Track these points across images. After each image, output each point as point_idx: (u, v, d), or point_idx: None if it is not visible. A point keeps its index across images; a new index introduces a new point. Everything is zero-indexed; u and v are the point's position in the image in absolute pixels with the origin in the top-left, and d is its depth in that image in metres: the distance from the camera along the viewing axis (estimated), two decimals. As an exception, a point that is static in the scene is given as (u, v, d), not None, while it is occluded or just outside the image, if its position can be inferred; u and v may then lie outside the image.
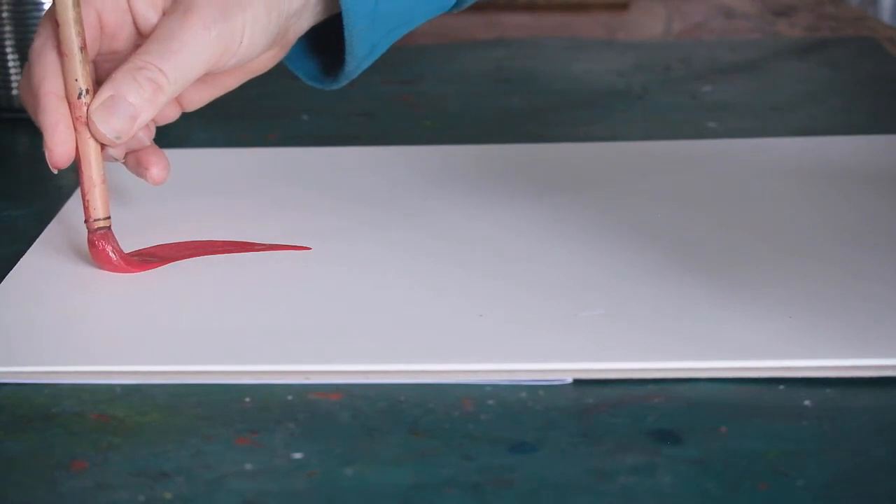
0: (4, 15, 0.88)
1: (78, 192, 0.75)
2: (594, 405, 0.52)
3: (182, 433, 0.51)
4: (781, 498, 0.46)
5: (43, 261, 0.66)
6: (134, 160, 0.67)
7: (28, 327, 0.59)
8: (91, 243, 0.63)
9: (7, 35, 0.88)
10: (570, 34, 1.14)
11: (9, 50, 0.89)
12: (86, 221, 0.63)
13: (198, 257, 0.65)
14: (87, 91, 0.62)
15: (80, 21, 0.61)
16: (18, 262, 0.65)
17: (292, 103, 0.93)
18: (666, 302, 0.59)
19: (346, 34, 0.65)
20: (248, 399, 0.53)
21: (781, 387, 0.53)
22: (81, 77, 0.61)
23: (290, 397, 0.53)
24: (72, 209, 0.72)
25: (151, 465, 0.49)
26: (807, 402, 0.52)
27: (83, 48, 0.62)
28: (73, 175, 0.80)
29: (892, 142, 0.81)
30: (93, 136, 0.62)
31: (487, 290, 0.61)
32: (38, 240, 0.68)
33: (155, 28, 0.63)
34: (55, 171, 0.62)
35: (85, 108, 0.61)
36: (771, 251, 0.65)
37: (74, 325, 0.59)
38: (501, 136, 0.85)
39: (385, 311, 0.59)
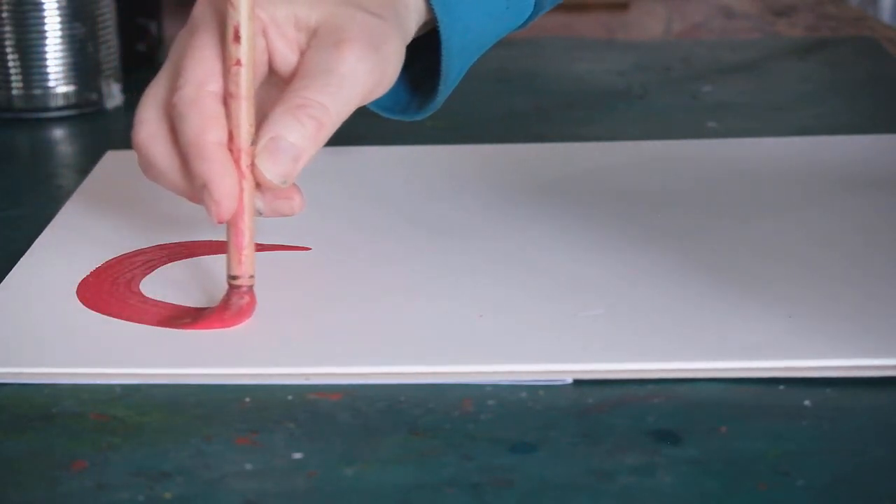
0: (4, 15, 0.88)
1: (80, 194, 0.75)
2: (594, 405, 0.52)
3: (182, 433, 0.51)
4: (781, 498, 0.46)
5: (43, 261, 0.66)
6: (271, 197, 0.60)
7: (28, 327, 0.59)
8: (237, 297, 0.58)
9: (7, 35, 0.88)
10: (570, 34, 1.14)
11: (9, 50, 0.89)
12: (235, 277, 0.58)
13: (197, 257, 0.65)
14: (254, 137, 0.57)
15: (254, 62, 0.58)
16: (18, 262, 0.65)
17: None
18: (666, 302, 0.59)
19: (444, 62, 0.64)
20: (248, 399, 0.53)
21: (781, 387, 0.53)
22: (253, 123, 0.57)
23: (290, 397, 0.53)
24: (72, 209, 0.72)
25: (151, 465, 0.49)
26: (807, 402, 0.52)
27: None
28: (76, 179, 0.80)
29: (892, 142, 0.81)
30: (258, 182, 0.57)
31: (487, 291, 0.61)
32: (37, 240, 0.68)
33: (302, 65, 0.59)
34: (216, 224, 0.58)
35: (252, 156, 0.57)
36: (770, 251, 0.65)
37: (75, 326, 0.59)
38: (502, 135, 0.85)
39: (385, 312, 0.59)
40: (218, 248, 0.67)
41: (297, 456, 0.49)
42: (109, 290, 0.62)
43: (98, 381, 0.55)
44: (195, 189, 0.58)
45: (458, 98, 0.95)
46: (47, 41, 0.89)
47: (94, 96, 0.91)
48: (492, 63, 1.04)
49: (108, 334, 0.58)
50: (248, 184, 0.57)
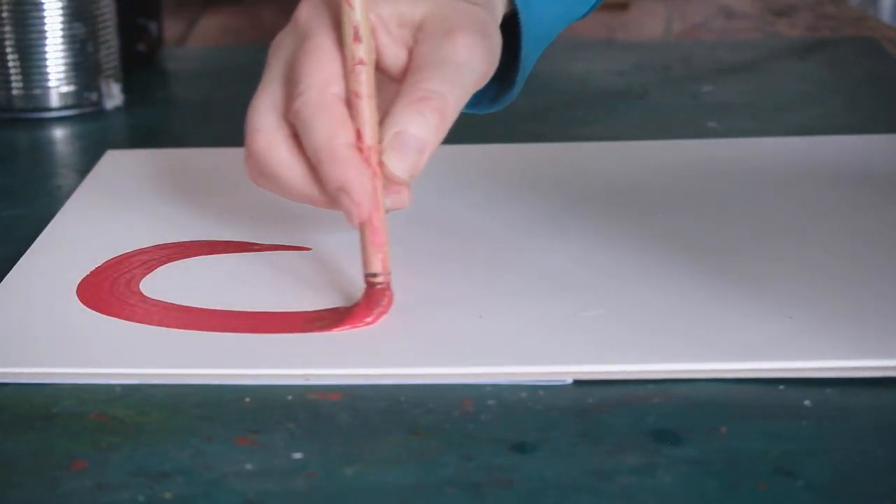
0: (4, 15, 0.88)
1: (80, 194, 0.75)
2: (594, 405, 0.52)
3: (182, 433, 0.51)
4: (781, 498, 0.46)
5: (43, 261, 0.66)
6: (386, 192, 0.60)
7: (28, 327, 0.59)
8: (380, 295, 0.58)
9: (7, 35, 0.88)
10: (570, 34, 1.14)
11: (9, 50, 0.89)
12: (376, 274, 0.58)
13: (197, 257, 0.65)
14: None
15: (372, 60, 0.58)
16: (18, 262, 0.65)
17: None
18: (666, 303, 0.59)
19: (523, 51, 0.64)
20: (248, 399, 0.53)
21: (781, 387, 0.53)
22: (377, 120, 0.57)
23: (290, 397, 0.53)
24: (72, 209, 0.72)
25: (151, 465, 0.49)
26: (807, 402, 0.52)
27: None
28: (76, 179, 0.80)
29: (892, 142, 0.81)
30: (387, 178, 0.57)
31: (487, 291, 0.61)
32: (37, 240, 0.68)
33: (416, 58, 0.59)
34: (355, 226, 0.58)
35: (379, 153, 0.57)
36: (771, 251, 0.65)
37: (74, 326, 0.59)
38: (502, 135, 0.85)
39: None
40: (217, 248, 0.67)
41: (297, 456, 0.49)
42: (109, 289, 0.62)
43: (98, 381, 0.55)
44: (327, 193, 0.58)
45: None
46: (47, 41, 0.89)
47: (94, 96, 0.91)
48: (492, 63, 1.04)
49: (108, 334, 0.58)
50: (378, 181, 0.57)
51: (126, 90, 0.93)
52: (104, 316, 0.60)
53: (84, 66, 0.90)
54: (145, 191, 0.75)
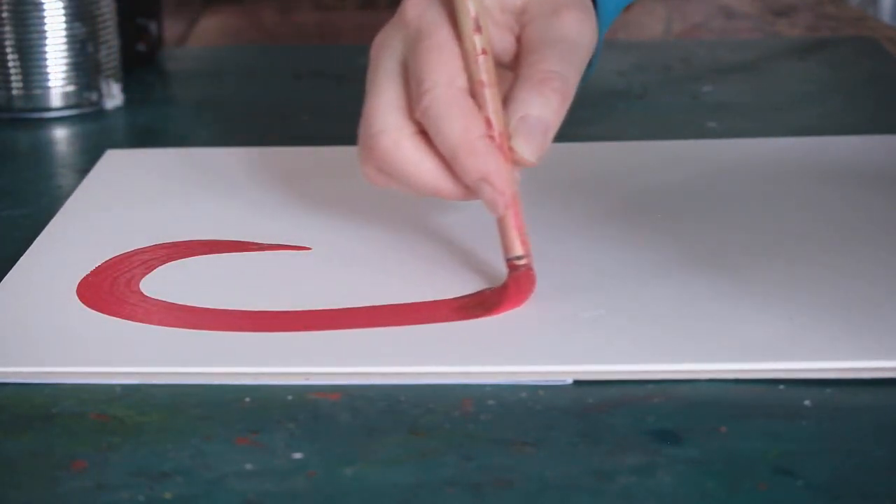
0: (4, 15, 0.88)
1: (80, 193, 0.75)
2: (594, 405, 0.52)
3: (182, 433, 0.51)
4: (781, 498, 0.46)
5: (43, 261, 0.66)
6: None
7: (28, 327, 0.59)
8: (525, 278, 0.59)
9: (7, 35, 0.88)
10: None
11: (9, 50, 0.89)
12: (521, 257, 0.59)
13: (197, 257, 0.65)
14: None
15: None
16: (18, 262, 0.65)
17: (293, 104, 0.93)
18: (666, 303, 0.59)
19: (601, 21, 0.65)
20: (248, 399, 0.53)
21: (781, 387, 0.53)
22: (501, 107, 0.59)
23: (290, 397, 0.53)
24: (72, 208, 0.72)
25: (151, 465, 0.49)
26: (807, 402, 0.52)
27: None
28: (76, 179, 0.80)
29: (892, 142, 0.81)
30: (516, 162, 0.58)
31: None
32: (37, 240, 0.68)
33: (527, 41, 0.60)
34: (500, 214, 0.59)
35: (508, 139, 0.58)
36: (771, 252, 0.65)
37: (74, 326, 0.59)
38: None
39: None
40: (217, 247, 0.67)
41: (297, 456, 0.49)
42: (109, 289, 0.62)
43: (98, 381, 0.55)
44: (461, 185, 0.59)
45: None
46: (47, 41, 0.89)
47: (94, 96, 0.91)
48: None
49: (108, 334, 0.58)
50: (511, 166, 0.59)
51: (126, 90, 0.93)
52: (104, 315, 0.60)
53: (84, 66, 0.90)
54: (145, 190, 0.75)
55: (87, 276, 0.63)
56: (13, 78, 0.89)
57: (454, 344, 0.56)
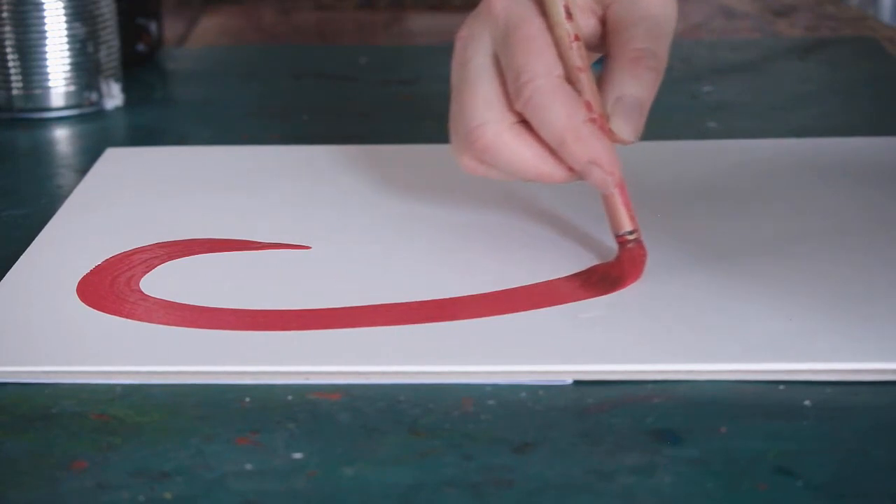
0: (4, 15, 0.88)
1: (79, 192, 0.75)
2: (594, 405, 0.52)
3: (182, 433, 0.51)
4: (781, 498, 0.46)
5: (43, 259, 0.66)
6: None
7: (28, 327, 0.59)
8: (640, 250, 0.62)
9: (7, 35, 0.88)
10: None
11: (9, 50, 0.89)
12: (633, 231, 0.62)
13: (197, 255, 0.65)
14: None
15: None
16: (18, 261, 0.65)
17: (293, 103, 0.93)
18: (666, 303, 0.59)
19: None
20: (248, 399, 0.53)
21: (781, 387, 0.53)
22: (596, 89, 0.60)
23: (290, 397, 0.53)
24: (71, 207, 0.72)
25: (151, 465, 0.49)
26: (807, 402, 0.52)
27: None
28: (76, 179, 0.80)
29: (891, 142, 0.81)
30: (614, 141, 0.60)
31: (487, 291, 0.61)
32: (37, 239, 0.68)
33: (613, 20, 0.61)
34: (613, 192, 0.61)
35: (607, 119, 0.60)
36: (770, 252, 0.65)
37: (74, 325, 0.59)
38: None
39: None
40: (217, 246, 0.67)
41: (297, 456, 0.49)
42: (109, 288, 0.62)
43: (98, 381, 0.55)
44: (567, 169, 0.60)
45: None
46: (47, 41, 0.89)
47: (94, 96, 0.91)
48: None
49: (109, 332, 0.58)
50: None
51: (126, 90, 0.93)
52: (104, 314, 0.60)
53: (84, 66, 0.90)
54: (145, 189, 0.75)
55: (88, 274, 0.63)
56: (13, 78, 0.89)
57: (454, 344, 0.56)
